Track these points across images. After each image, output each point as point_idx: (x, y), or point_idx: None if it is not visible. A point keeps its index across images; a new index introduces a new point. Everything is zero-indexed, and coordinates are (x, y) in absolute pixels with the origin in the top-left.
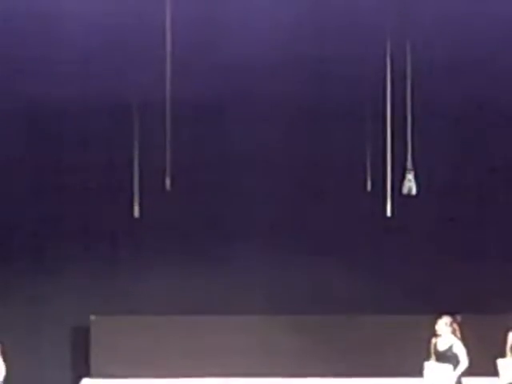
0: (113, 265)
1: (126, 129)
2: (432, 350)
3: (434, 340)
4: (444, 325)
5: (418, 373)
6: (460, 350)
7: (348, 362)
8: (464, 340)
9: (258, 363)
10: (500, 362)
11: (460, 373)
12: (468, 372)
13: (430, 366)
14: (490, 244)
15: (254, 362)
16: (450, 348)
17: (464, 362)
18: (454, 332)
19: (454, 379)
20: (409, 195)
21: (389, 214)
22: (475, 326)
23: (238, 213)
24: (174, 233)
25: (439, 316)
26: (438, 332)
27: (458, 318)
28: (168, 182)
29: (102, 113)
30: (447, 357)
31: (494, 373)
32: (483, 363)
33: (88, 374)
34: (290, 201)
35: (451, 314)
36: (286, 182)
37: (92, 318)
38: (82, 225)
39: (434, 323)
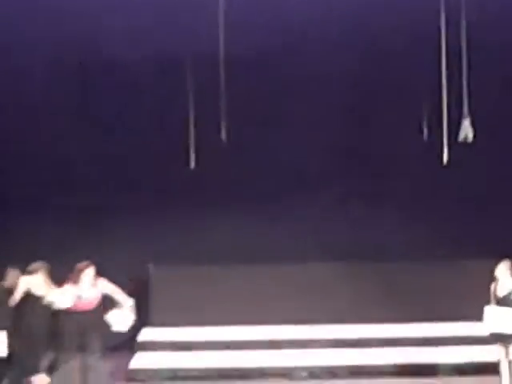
0: (170, 215)
1: (181, 81)
2: (492, 295)
3: (493, 285)
4: (504, 269)
5: (477, 318)
6: None
7: (406, 307)
8: None
9: (313, 310)
10: (487, 308)
11: None
12: None
13: (490, 310)
14: None
15: (309, 309)
16: (510, 293)
17: None
18: None
19: None
20: (465, 142)
21: (445, 161)
22: None
23: (291, 162)
24: (229, 183)
25: (499, 260)
26: (498, 276)
27: None
28: (223, 133)
29: (157, 65)
30: (508, 302)
31: None
32: None
33: (148, 323)
34: (345, 149)
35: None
36: (343, 132)
37: (151, 267)
38: (140, 177)
39: (494, 268)
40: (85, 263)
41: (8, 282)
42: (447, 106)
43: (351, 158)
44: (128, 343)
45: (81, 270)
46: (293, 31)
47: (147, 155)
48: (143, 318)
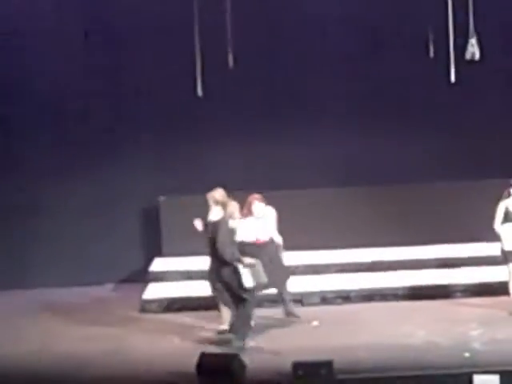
0: (178, 145)
1: (186, 9)
2: (504, 213)
3: (505, 202)
4: None
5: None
6: None
7: (415, 230)
8: None
9: (322, 235)
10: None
11: None
12: None
13: (505, 227)
14: None
15: (317, 234)
16: None
17: None
18: None
19: None
20: (472, 60)
21: (453, 79)
22: None
23: (302, 90)
24: (237, 111)
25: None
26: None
27: None
28: (231, 59)
29: None
30: None
31: None
32: None
33: (160, 254)
34: (351, 71)
35: None
36: (347, 53)
37: (161, 198)
38: (148, 107)
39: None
40: (256, 195)
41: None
42: (453, 25)
43: (358, 79)
44: (141, 274)
45: (250, 203)
46: None
47: (155, 85)
48: (155, 249)
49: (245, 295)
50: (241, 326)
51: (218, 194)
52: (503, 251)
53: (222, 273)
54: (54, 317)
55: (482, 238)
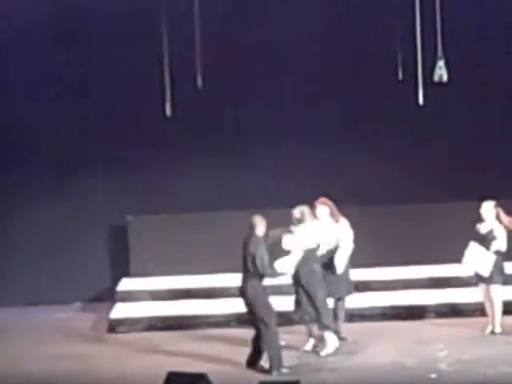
0: (147, 164)
1: (155, 28)
2: (475, 234)
3: (477, 224)
4: (487, 209)
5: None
6: (499, 234)
7: (391, 251)
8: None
9: None
10: (471, 244)
11: (498, 255)
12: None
13: (473, 246)
14: None
15: None
16: (491, 231)
17: (502, 245)
18: (497, 216)
19: (491, 266)
20: (440, 82)
21: (421, 102)
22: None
23: (271, 109)
24: (206, 131)
25: (479, 201)
26: (483, 216)
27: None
28: (199, 79)
29: (131, 11)
30: (488, 239)
31: None
32: None
33: (127, 273)
34: (320, 90)
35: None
36: (316, 74)
37: (129, 217)
38: (118, 126)
39: (476, 209)
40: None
41: None
42: (421, 47)
43: (327, 101)
44: (108, 294)
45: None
46: None
47: (125, 105)
48: (123, 269)
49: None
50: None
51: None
52: (476, 273)
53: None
54: (21, 336)
55: (451, 260)
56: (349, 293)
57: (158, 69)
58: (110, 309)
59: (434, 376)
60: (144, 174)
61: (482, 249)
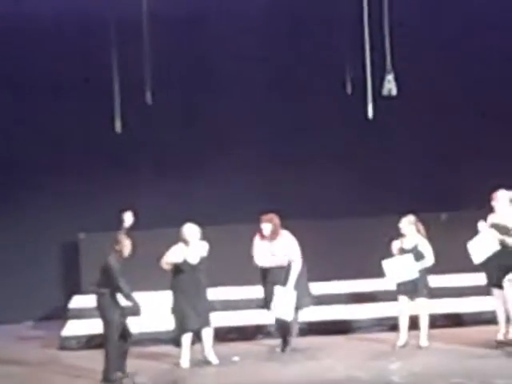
0: (99, 181)
1: (105, 43)
2: (397, 248)
3: (399, 239)
4: (408, 223)
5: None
6: (425, 248)
7: (337, 263)
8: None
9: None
10: (385, 262)
11: (425, 269)
12: (434, 269)
13: (389, 262)
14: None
15: (246, 270)
16: (415, 246)
17: (430, 260)
18: (418, 230)
19: (417, 275)
20: (389, 96)
21: (370, 116)
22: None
23: (221, 126)
24: (156, 147)
25: (403, 215)
26: (403, 231)
27: (444, 216)
28: (149, 96)
29: (80, 28)
30: (413, 255)
31: (460, 270)
32: (449, 260)
33: (79, 291)
34: (269, 106)
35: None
36: (266, 89)
37: (81, 235)
38: (68, 142)
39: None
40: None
41: None
42: (370, 61)
43: (276, 116)
44: (60, 311)
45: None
46: None
47: (72, 122)
48: (74, 287)
49: None
50: None
51: None
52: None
53: None
54: None
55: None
56: (306, 305)
57: (107, 85)
58: (61, 326)
59: None
60: (95, 191)
61: (400, 257)
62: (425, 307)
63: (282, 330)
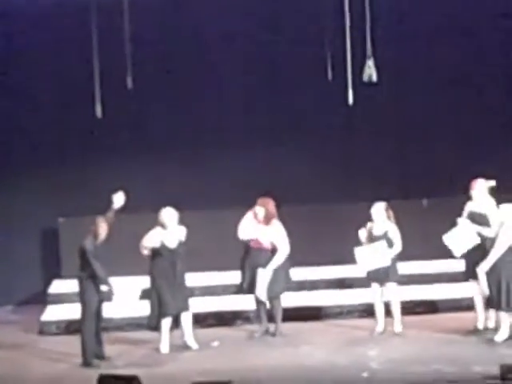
0: (78, 166)
1: (85, 27)
2: (367, 235)
3: (369, 225)
4: (379, 210)
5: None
6: (395, 235)
7: (319, 249)
8: (399, 225)
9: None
10: (357, 250)
11: (394, 256)
12: (403, 256)
13: (361, 249)
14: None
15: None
16: (386, 233)
17: (398, 246)
18: (389, 217)
19: (389, 262)
20: (370, 82)
21: (351, 102)
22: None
23: (201, 112)
24: (137, 131)
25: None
26: (373, 217)
27: (425, 202)
28: (129, 80)
29: (60, 12)
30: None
31: (428, 257)
32: (417, 247)
33: (59, 275)
34: (250, 93)
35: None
36: (247, 75)
37: (60, 220)
38: (47, 127)
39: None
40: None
41: None
42: (351, 46)
43: (256, 103)
44: (39, 296)
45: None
46: None
47: (54, 106)
48: (54, 271)
49: None
50: None
51: None
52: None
53: None
54: None
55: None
56: (284, 290)
57: (87, 70)
58: (41, 311)
59: (366, 375)
60: (75, 176)
61: (372, 245)
62: (395, 293)
63: (266, 314)
